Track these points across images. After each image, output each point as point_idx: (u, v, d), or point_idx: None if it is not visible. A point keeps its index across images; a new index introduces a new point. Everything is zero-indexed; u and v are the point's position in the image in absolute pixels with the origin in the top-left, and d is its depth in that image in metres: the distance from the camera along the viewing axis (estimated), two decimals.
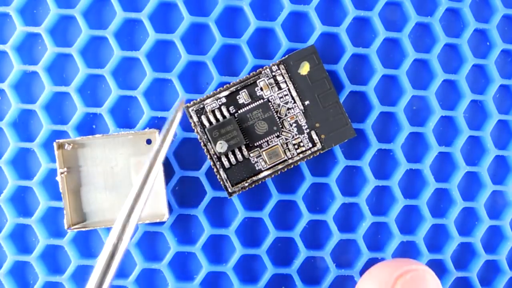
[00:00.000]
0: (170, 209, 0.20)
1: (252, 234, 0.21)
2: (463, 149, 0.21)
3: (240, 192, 0.19)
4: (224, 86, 0.19)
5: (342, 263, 0.21)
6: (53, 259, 0.20)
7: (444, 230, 0.21)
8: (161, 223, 0.20)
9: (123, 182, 0.19)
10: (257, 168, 0.19)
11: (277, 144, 0.19)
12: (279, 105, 0.19)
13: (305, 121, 0.19)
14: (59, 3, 0.20)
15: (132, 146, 0.19)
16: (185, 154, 0.20)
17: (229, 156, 0.19)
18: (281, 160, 0.19)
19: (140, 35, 0.20)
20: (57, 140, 0.19)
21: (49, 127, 0.20)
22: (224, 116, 0.19)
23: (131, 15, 0.19)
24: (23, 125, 0.20)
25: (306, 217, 0.20)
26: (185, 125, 0.20)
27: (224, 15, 0.20)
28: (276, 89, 0.19)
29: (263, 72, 0.19)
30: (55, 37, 0.20)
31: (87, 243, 0.20)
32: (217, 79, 0.20)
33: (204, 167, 0.20)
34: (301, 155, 0.19)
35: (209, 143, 0.19)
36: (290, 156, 0.19)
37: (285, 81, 0.19)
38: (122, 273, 0.20)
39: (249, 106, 0.19)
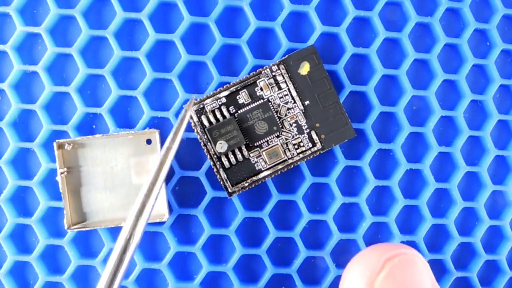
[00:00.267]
0: (170, 209, 0.20)
1: (252, 234, 0.21)
2: (463, 149, 0.21)
3: (240, 192, 0.19)
4: (224, 86, 0.19)
5: (342, 263, 0.21)
6: (53, 259, 0.20)
7: (444, 230, 0.21)
8: (161, 223, 0.20)
9: (123, 182, 0.19)
10: (257, 168, 0.19)
11: (277, 144, 0.19)
12: (279, 105, 0.19)
13: (305, 121, 0.19)
14: (59, 3, 0.20)
15: (132, 146, 0.19)
16: (185, 154, 0.20)
17: (229, 156, 0.19)
18: (281, 160, 0.19)
19: (140, 35, 0.20)
20: (57, 140, 0.19)
21: (49, 127, 0.20)
22: (224, 116, 0.19)
23: (131, 15, 0.19)
24: (23, 125, 0.20)
25: (306, 217, 0.20)
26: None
27: (224, 15, 0.20)
28: (276, 89, 0.19)
29: (263, 72, 0.19)
30: (55, 37, 0.20)
31: (87, 243, 0.20)
32: (217, 79, 0.20)
33: (204, 167, 0.20)
34: (301, 155, 0.19)
35: (209, 143, 0.19)
36: (290, 156, 0.19)
37: (285, 81, 0.19)
38: None
39: (249, 106, 0.19)
